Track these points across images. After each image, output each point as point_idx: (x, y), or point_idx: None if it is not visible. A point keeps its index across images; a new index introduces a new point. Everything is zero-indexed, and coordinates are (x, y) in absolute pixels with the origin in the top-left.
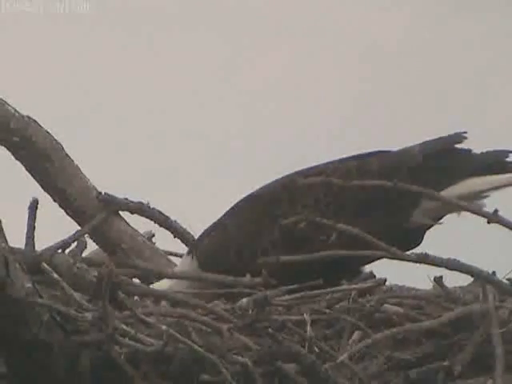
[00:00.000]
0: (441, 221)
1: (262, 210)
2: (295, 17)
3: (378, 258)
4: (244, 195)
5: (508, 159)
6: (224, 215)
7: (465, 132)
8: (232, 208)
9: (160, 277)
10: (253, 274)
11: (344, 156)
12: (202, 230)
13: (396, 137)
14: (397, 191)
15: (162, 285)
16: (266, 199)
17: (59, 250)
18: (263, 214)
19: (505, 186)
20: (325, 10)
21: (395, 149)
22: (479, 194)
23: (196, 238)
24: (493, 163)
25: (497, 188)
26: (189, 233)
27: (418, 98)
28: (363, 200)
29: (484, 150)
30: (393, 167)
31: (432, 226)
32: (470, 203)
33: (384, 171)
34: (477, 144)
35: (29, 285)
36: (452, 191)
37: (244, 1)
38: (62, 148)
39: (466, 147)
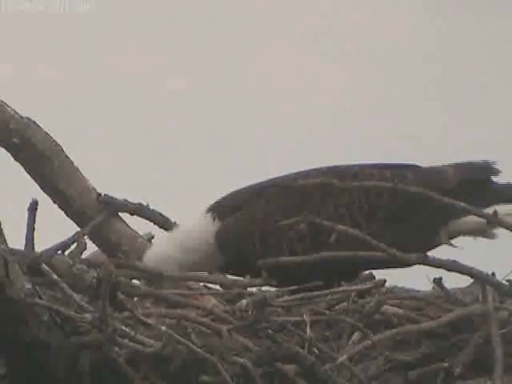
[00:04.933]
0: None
1: (292, 201)
2: (295, 17)
3: (381, 264)
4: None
5: None
6: (249, 195)
7: (495, 162)
8: (260, 190)
9: (160, 278)
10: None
11: (368, 162)
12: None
13: (397, 137)
14: (430, 208)
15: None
16: (298, 192)
17: (59, 251)
18: (293, 206)
19: None
20: (325, 10)
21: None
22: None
23: (218, 201)
24: None
25: None
26: None
27: (419, 100)
28: (396, 210)
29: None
30: (427, 184)
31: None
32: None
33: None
34: (478, 144)
35: (28, 286)
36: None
37: (244, 1)
38: (62, 149)
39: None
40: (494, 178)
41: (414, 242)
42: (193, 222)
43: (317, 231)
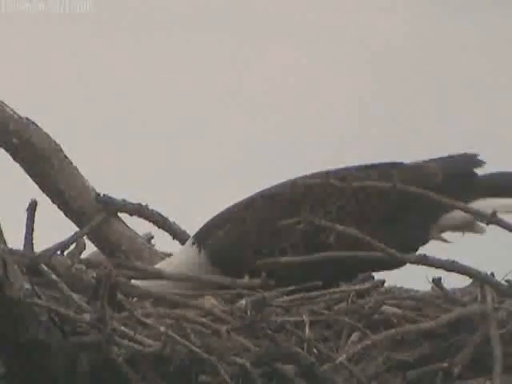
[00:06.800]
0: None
1: (282, 209)
2: (296, 18)
3: (380, 266)
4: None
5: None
6: (236, 208)
7: (478, 155)
8: (247, 202)
9: (159, 278)
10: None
11: (350, 164)
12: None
13: (396, 137)
14: (419, 206)
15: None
16: (287, 199)
17: (58, 252)
18: (284, 213)
19: None
20: (325, 11)
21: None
22: None
23: (202, 228)
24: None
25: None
26: (188, 234)
27: (418, 100)
28: (386, 212)
29: (490, 172)
30: (414, 181)
31: None
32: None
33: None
34: (474, 144)
35: (27, 286)
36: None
37: (244, 1)
38: (61, 149)
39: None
40: (477, 170)
41: (407, 241)
42: (179, 256)
43: (310, 237)
